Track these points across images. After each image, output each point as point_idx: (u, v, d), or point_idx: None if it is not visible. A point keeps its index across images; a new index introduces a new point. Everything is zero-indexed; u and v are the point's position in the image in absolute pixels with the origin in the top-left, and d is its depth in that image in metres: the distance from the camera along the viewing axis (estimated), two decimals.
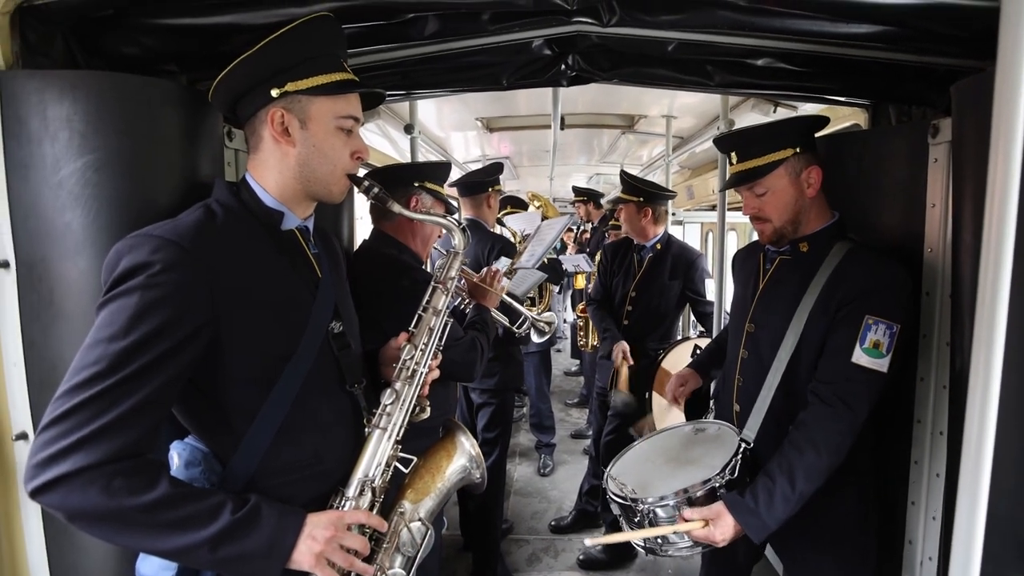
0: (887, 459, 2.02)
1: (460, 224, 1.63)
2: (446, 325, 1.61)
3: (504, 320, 3.00)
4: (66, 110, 1.36)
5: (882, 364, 1.74)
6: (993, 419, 0.93)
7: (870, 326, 1.75)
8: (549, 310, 4.50)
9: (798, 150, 1.89)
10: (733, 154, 1.98)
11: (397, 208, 1.55)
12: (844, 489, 1.88)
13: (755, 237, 2.12)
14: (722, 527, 1.72)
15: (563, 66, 2.18)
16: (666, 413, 2.41)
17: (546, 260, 3.54)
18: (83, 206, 1.39)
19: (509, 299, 2.93)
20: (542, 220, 3.93)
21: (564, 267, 5.85)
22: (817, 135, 1.99)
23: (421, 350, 1.55)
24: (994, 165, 0.88)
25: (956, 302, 1.69)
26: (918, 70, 1.90)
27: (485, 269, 2.65)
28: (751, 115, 3.41)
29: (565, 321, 9.50)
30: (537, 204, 5.45)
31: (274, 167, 1.41)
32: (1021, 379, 1.28)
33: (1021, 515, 1.34)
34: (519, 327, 3.09)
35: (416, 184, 2.41)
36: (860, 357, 1.75)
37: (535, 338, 3.25)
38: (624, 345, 3.74)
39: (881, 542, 2.00)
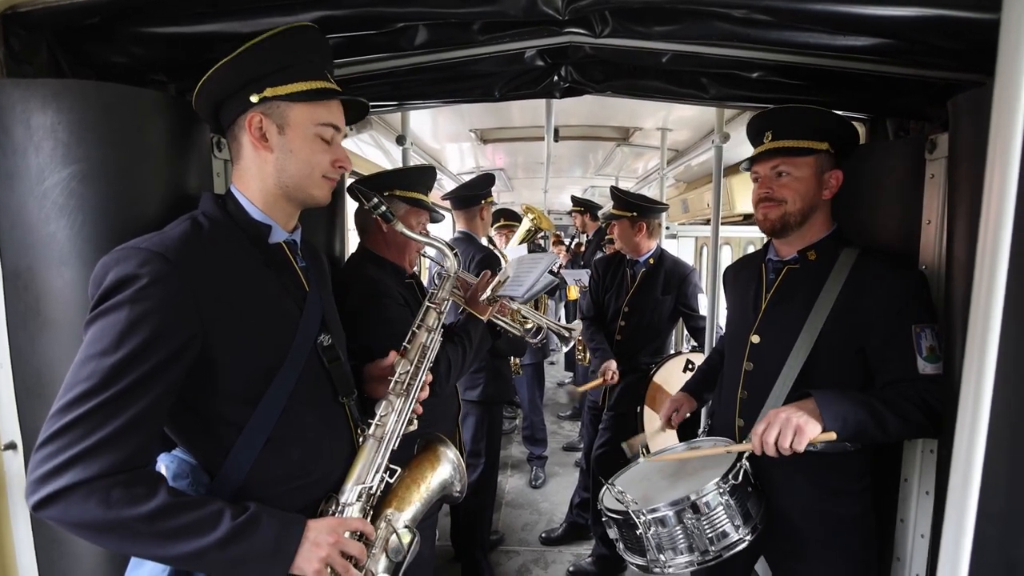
0: (878, 476, 2.00)
1: (448, 245, 1.64)
2: (440, 342, 1.63)
3: (515, 330, 2.90)
4: (50, 119, 1.35)
5: (941, 367, 1.70)
6: (983, 438, 0.92)
7: (920, 335, 1.72)
8: None
9: (830, 149, 1.89)
10: (768, 134, 1.94)
11: (400, 227, 1.55)
12: (846, 506, 1.87)
13: (749, 251, 2.10)
14: (799, 410, 1.65)
15: (556, 77, 2.18)
16: (658, 433, 2.39)
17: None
18: (68, 217, 1.38)
19: (519, 307, 2.85)
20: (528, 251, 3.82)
21: (565, 280, 5.85)
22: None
23: (416, 364, 1.57)
24: (990, 181, 0.87)
25: (948, 320, 1.67)
26: (916, 83, 1.89)
27: (482, 273, 2.58)
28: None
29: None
30: (531, 216, 5.42)
31: (255, 175, 1.40)
32: (1012, 399, 1.26)
33: (1009, 537, 1.32)
34: (535, 336, 2.99)
35: (385, 193, 2.28)
36: (925, 367, 1.71)
37: (563, 348, 3.15)
38: (612, 364, 3.74)
39: None
